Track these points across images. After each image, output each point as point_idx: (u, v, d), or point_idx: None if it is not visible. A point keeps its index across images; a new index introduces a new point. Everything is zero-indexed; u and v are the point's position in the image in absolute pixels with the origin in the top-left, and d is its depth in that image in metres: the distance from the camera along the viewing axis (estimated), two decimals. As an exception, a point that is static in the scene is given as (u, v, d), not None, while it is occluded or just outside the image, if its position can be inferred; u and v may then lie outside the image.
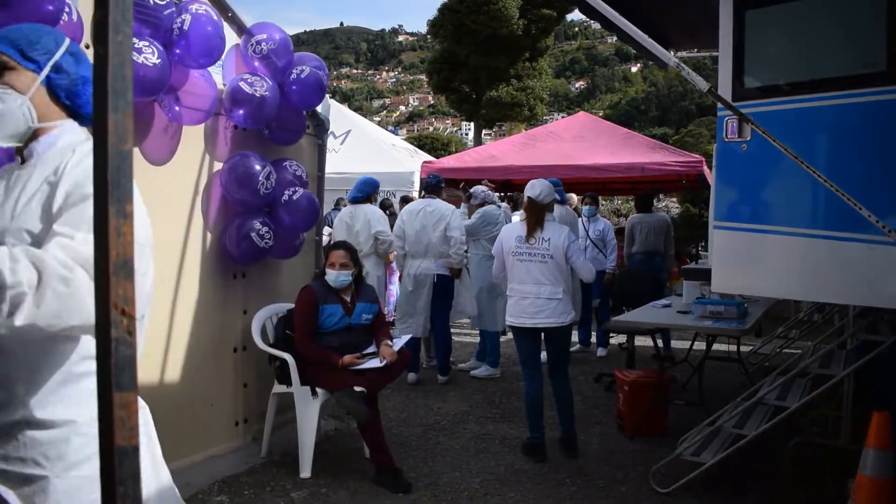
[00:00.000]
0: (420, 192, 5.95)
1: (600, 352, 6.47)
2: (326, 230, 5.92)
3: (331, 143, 9.37)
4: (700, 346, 5.66)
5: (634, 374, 4.49)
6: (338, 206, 7.95)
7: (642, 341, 6.45)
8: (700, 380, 4.50)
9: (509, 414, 4.56)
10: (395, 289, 7.18)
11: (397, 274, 6.39)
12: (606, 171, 7.57)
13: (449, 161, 8.64)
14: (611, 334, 6.43)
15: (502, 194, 10.41)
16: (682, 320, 3.93)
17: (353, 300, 3.70)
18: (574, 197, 7.52)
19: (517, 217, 7.58)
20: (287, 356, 3.57)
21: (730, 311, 3.78)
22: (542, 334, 3.76)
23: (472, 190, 5.79)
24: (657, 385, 4.20)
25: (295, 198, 3.78)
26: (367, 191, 5.43)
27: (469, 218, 5.72)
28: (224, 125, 3.63)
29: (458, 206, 5.84)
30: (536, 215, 3.67)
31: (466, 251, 5.70)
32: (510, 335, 4.38)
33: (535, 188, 3.72)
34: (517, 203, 7.75)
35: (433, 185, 5.40)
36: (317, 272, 4.32)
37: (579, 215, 6.57)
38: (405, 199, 7.56)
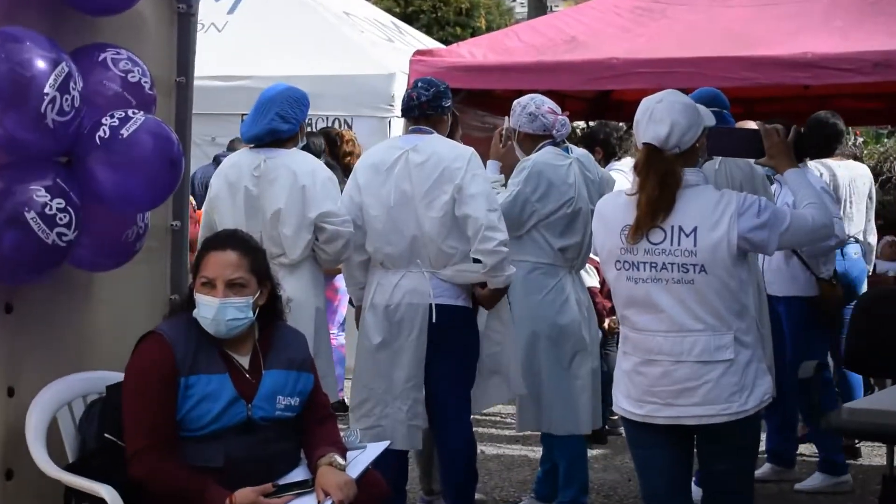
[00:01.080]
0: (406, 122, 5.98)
1: (819, 482, 6.56)
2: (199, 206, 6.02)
3: (208, 9, 9.68)
4: None
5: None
6: (217, 160, 8.31)
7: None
8: None
9: None
10: (339, 334, 7.81)
11: (345, 299, 6.84)
12: (830, 69, 7.53)
13: (471, 51, 8.75)
14: (844, 440, 6.49)
15: (586, 126, 10.52)
16: None
17: (256, 364, 3.91)
18: (750, 125, 7.50)
19: (619, 176, 7.20)
20: (108, 491, 3.68)
21: None
22: (694, 438, 3.99)
23: (518, 105, 5.91)
24: None
25: (126, 134, 3.83)
26: (298, 120, 5.55)
27: (504, 183, 6.00)
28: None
29: (485, 154, 6.02)
30: (652, 182, 3.83)
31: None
32: (615, 441, 4.37)
33: (656, 119, 3.87)
34: (612, 146, 8.33)
35: (428, 106, 5.48)
36: (174, 301, 4.42)
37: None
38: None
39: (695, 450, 4.05)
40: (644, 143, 3.88)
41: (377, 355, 5.39)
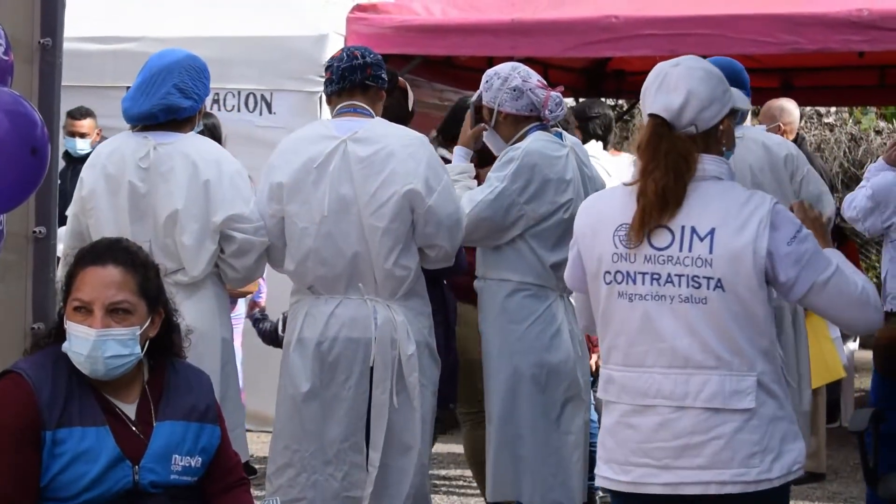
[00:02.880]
0: (330, 101, 5.87)
1: None
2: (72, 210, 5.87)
3: None
4: None
5: None
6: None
7: None
8: None
9: None
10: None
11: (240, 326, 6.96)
12: (891, 30, 7.77)
13: (427, 6, 8.93)
14: None
15: (579, 102, 10.56)
16: None
17: (145, 414, 3.90)
18: (787, 111, 7.75)
19: (605, 167, 7.26)
20: None
21: None
22: None
23: (496, 77, 5.90)
24: None
25: None
26: (201, 97, 5.66)
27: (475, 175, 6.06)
28: None
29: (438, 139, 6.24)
30: (662, 165, 3.80)
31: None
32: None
33: (668, 87, 3.87)
34: (592, 130, 8.20)
35: (372, 72, 5.59)
36: (37, 331, 4.40)
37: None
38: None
39: None
40: (650, 115, 3.85)
41: (305, 407, 5.40)
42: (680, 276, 3.74)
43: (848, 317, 3.91)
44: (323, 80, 5.71)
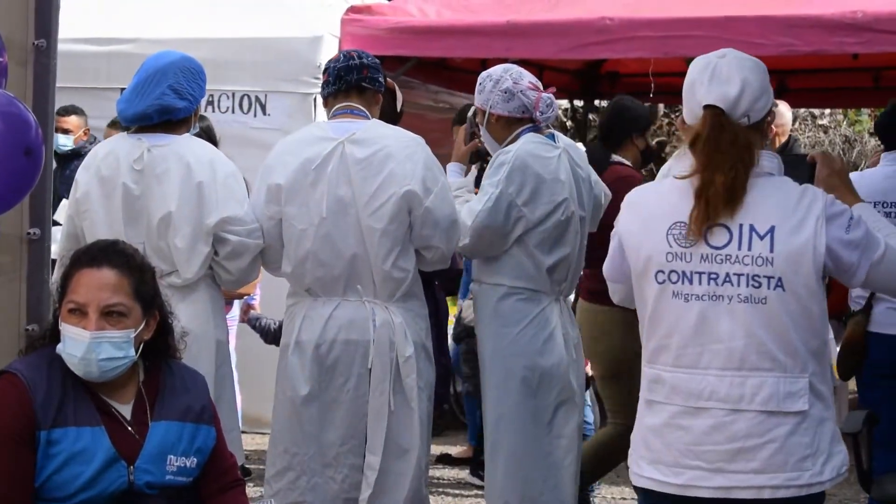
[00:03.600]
0: (326, 103, 5.84)
1: None
2: (64, 210, 5.91)
3: None
4: None
5: None
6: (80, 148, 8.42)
7: None
8: None
9: None
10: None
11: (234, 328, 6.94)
12: (886, 32, 7.75)
13: (421, 7, 8.92)
14: None
15: (570, 107, 10.40)
16: None
17: (141, 414, 3.91)
18: (780, 111, 7.73)
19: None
20: None
21: None
22: None
23: (488, 79, 5.92)
24: None
25: None
26: (196, 98, 5.63)
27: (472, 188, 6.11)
28: None
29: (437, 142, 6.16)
30: (727, 159, 3.76)
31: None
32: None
33: (722, 77, 3.83)
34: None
35: (369, 73, 5.58)
36: (31, 333, 4.38)
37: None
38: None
39: None
40: (706, 107, 3.79)
41: (303, 410, 5.39)
42: (739, 275, 3.72)
43: None
44: (318, 81, 5.72)
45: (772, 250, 3.69)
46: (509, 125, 5.79)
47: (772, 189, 3.76)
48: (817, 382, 3.73)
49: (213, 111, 8.93)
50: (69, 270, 3.85)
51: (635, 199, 4.02)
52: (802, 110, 8.02)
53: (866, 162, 11.97)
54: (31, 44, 4.51)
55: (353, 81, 5.43)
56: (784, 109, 7.56)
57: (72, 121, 8.71)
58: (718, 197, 3.70)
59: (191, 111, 5.47)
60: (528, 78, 5.82)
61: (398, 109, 6.06)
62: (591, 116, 11.22)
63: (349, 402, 5.34)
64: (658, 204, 3.91)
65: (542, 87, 5.86)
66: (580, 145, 6.99)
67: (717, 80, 3.80)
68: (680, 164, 3.85)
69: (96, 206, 5.40)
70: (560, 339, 5.71)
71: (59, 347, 3.75)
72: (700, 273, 3.74)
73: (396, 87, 6.10)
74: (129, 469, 3.75)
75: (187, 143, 5.40)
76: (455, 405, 9.66)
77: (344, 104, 5.44)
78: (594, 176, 6.16)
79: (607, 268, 4.04)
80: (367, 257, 5.31)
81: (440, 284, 6.58)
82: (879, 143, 13.09)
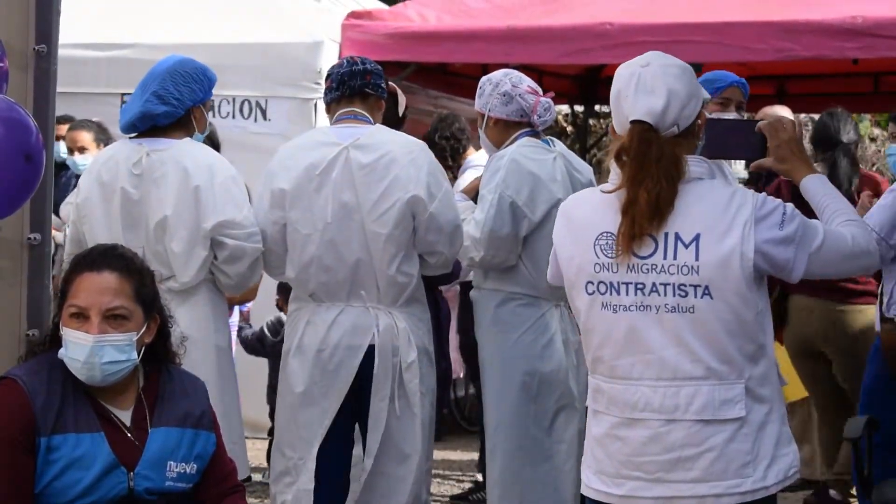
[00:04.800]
0: (329, 109, 5.83)
1: None
2: (64, 214, 6.06)
3: None
4: None
5: None
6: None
7: None
8: None
9: None
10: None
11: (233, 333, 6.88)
12: (886, 37, 7.82)
13: (421, 13, 8.98)
14: None
15: (570, 112, 10.40)
16: None
17: (140, 420, 3.92)
18: (781, 112, 7.63)
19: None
20: None
21: None
22: None
23: (488, 83, 5.95)
24: None
25: None
26: (193, 98, 5.58)
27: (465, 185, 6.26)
28: None
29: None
30: (652, 173, 3.72)
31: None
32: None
33: (646, 88, 3.78)
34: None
35: (372, 79, 5.58)
36: (32, 338, 4.36)
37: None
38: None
39: None
40: (633, 122, 3.75)
41: (301, 413, 5.40)
42: (665, 284, 3.70)
43: (847, 270, 3.97)
44: (318, 86, 5.73)
45: (697, 258, 3.68)
46: (507, 129, 5.81)
47: (699, 196, 3.75)
48: (756, 387, 3.73)
49: (214, 116, 8.89)
50: (70, 275, 3.85)
51: (567, 208, 4.03)
52: (803, 116, 8.07)
53: (866, 167, 11.95)
54: (32, 49, 4.50)
55: (357, 87, 5.43)
56: (786, 114, 7.56)
57: (63, 129, 8.63)
58: (643, 214, 3.68)
59: (175, 115, 5.40)
60: (526, 82, 5.83)
61: (401, 114, 6.05)
62: (590, 122, 11.19)
63: (348, 407, 5.35)
64: (587, 214, 3.90)
65: (541, 92, 5.87)
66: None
67: (642, 92, 3.77)
68: (612, 175, 3.82)
69: (96, 211, 5.41)
70: (560, 344, 5.70)
71: (62, 352, 3.74)
72: (627, 284, 3.74)
73: (399, 92, 6.10)
74: (129, 475, 3.75)
75: (186, 148, 5.38)
76: (455, 410, 9.63)
77: (347, 110, 5.43)
78: (592, 180, 6.11)
79: (550, 276, 4.06)
80: (371, 262, 5.32)
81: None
82: (879, 148, 13.16)
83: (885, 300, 6.40)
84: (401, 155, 5.34)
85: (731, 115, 6.33)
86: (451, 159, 7.99)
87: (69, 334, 3.74)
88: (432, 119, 8.58)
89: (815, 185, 3.89)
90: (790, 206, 3.78)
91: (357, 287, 5.34)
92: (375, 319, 5.38)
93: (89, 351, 3.71)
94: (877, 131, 13.45)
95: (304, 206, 5.32)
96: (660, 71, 3.78)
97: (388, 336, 5.37)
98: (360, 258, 5.31)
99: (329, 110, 5.57)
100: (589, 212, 3.88)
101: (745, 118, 6.42)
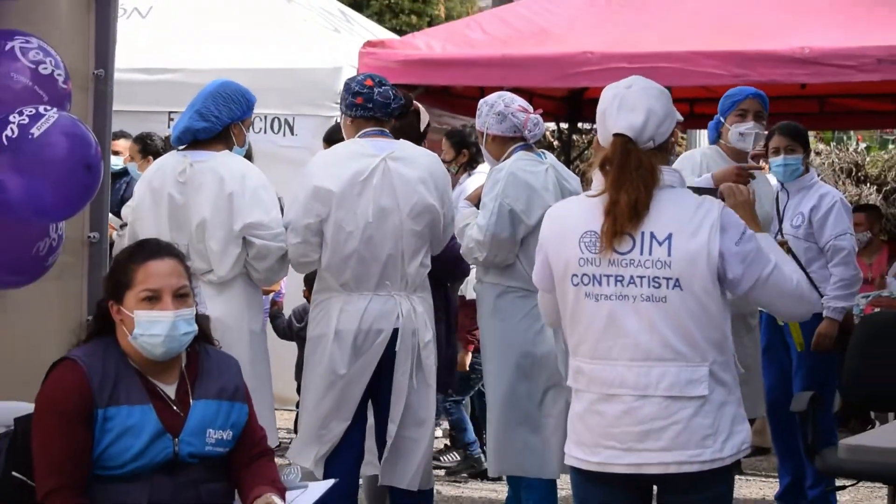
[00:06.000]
0: (353, 122, 5.78)
1: None
2: (119, 219, 6.06)
3: None
4: None
5: None
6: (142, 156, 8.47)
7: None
8: None
9: None
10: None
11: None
12: (830, 65, 7.82)
13: (428, 43, 8.94)
14: (838, 483, 6.44)
15: (556, 129, 10.39)
16: None
17: (183, 393, 3.91)
18: (743, 128, 7.44)
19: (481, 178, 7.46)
20: None
21: None
22: (655, 491, 3.90)
23: (484, 104, 5.92)
24: None
25: (36, 133, 3.84)
26: (231, 115, 5.53)
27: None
28: None
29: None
30: (632, 180, 3.75)
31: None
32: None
33: (629, 106, 3.80)
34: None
35: (399, 110, 5.64)
36: (91, 323, 4.25)
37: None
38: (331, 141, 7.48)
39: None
40: (616, 135, 3.78)
41: (344, 390, 5.42)
42: (641, 277, 3.70)
43: (784, 308, 3.93)
44: (337, 105, 5.73)
45: (669, 255, 3.68)
46: (504, 143, 5.77)
47: (672, 201, 3.75)
48: (718, 371, 3.73)
49: (249, 132, 8.94)
50: (131, 266, 3.84)
51: (556, 212, 4.03)
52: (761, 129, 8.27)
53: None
54: (92, 73, 4.60)
55: (390, 112, 5.49)
56: (746, 128, 7.60)
57: (121, 144, 8.56)
58: (623, 214, 3.69)
59: (213, 131, 5.37)
60: (518, 102, 5.81)
61: (422, 129, 6.07)
62: (574, 137, 11.20)
63: (375, 383, 5.38)
64: (572, 216, 3.89)
65: (531, 110, 5.84)
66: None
67: (624, 109, 3.78)
68: (595, 181, 3.83)
69: (147, 214, 5.40)
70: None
71: (136, 333, 3.74)
72: (608, 276, 3.74)
73: (422, 109, 6.11)
74: (174, 441, 3.75)
75: (224, 159, 5.36)
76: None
77: (377, 128, 5.47)
78: (578, 188, 6.11)
79: (536, 277, 4.02)
80: (399, 257, 5.36)
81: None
82: (823, 161, 13.14)
83: None
84: (427, 165, 5.45)
85: (750, 126, 6.40)
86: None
87: (145, 316, 3.75)
88: (440, 133, 8.56)
89: (764, 241, 3.89)
90: (751, 231, 3.80)
91: (384, 278, 5.36)
92: (399, 306, 5.39)
93: (170, 326, 3.74)
94: (821, 146, 13.49)
95: (348, 206, 5.32)
96: (641, 92, 3.79)
97: (409, 320, 5.39)
98: (392, 253, 5.34)
99: (352, 123, 5.56)
100: (574, 214, 3.88)
101: (761, 130, 6.40)
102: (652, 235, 3.71)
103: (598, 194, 3.75)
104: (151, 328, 3.73)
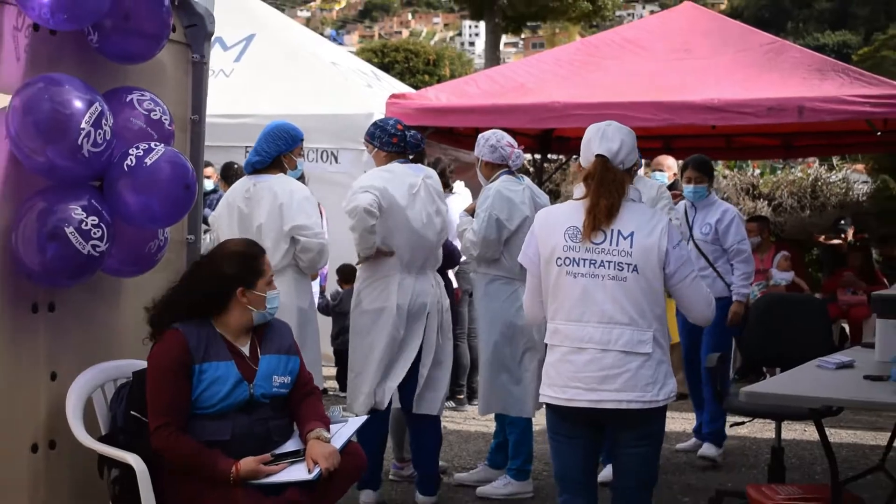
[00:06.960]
0: (386, 153, 5.75)
1: (711, 451, 6.66)
2: (210, 221, 5.91)
3: (218, 58, 9.80)
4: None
5: (786, 492, 4.56)
6: (227, 177, 8.42)
7: (797, 432, 6.78)
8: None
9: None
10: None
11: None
12: (733, 112, 7.87)
13: (437, 95, 8.92)
14: (736, 420, 6.31)
15: (532, 159, 10.49)
16: (874, 393, 3.98)
17: (254, 351, 3.97)
18: (668, 163, 7.67)
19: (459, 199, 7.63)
20: (134, 459, 3.69)
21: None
22: (607, 425, 3.88)
23: (482, 138, 5.89)
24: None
25: (149, 162, 3.83)
26: (278, 149, 5.42)
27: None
28: (15, 23, 3.72)
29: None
30: (608, 189, 3.78)
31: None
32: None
33: (608, 138, 3.84)
34: (446, 178, 7.70)
35: (419, 148, 5.75)
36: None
37: (678, 197, 6.94)
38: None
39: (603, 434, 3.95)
40: (597, 155, 3.82)
41: (401, 352, 5.41)
42: (609, 262, 3.72)
43: (695, 309, 3.90)
44: (365, 140, 5.71)
45: (631, 247, 3.71)
46: (493, 168, 5.74)
47: (633, 209, 3.79)
48: (659, 336, 3.74)
49: (304, 159, 8.91)
50: (256, 260, 3.95)
51: (546, 211, 4.04)
52: (680, 161, 8.08)
53: (720, 196, 11.93)
54: (189, 118, 4.63)
55: (416, 152, 5.63)
56: (672, 162, 7.58)
57: (209, 170, 8.60)
58: (601, 214, 3.71)
59: (265, 162, 5.30)
60: (506, 139, 5.78)
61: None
62: (545, 165, 11.18)
63: (417, 339, 5.40)
64: (559, 214, 3.89)
65: (516, 145, 5.83)
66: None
67: (605, 139, 3.81)
68: (577, 191, 3.85)
69: (224, 223, 5.39)
70: None
71: (269, 308, 3.92)
72: (584, 259, 3.74)
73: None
74: (250, 386, 3.82)
75: (278, 180, 5.30)
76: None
77: (407, 161, 5.53)
78: (546, 202, 6.09)
79: (523, 257, 3.97)
80: (435, 247, 5.50)
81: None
82: (730, 183, 13.07)
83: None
84: (439, 188, 5.62)
85: None
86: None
87: (273, 294, 3.94)
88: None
89: (692, 255, 3.88)
90: (685, 242, 3.79)
91: (427, 264, 5.48)
92: (433, 281, 5.51)
93: (277, 300, 3.98)
94: (727, 171, 13.43)
95: (410, 209, 5.36)
96: (617, 129, 3.84)
97: (437, 293, 5.51)
98: (433, 245, 5.48)
99: (385, 154, 5.51)
100: (560, 213, 3.89)
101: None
102: (619, 232, 3.73)
103: (582, 198, 3.79)
104: (274, 302, 3.93)
